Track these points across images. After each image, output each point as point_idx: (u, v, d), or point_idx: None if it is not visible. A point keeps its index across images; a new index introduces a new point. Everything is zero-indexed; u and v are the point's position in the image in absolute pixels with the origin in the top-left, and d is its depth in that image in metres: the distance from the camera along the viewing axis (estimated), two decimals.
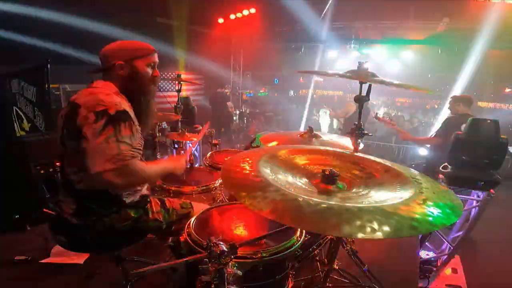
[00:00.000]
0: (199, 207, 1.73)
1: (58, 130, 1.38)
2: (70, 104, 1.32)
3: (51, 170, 2.69)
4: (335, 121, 8.98)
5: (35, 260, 2.19)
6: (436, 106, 12.93)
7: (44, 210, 2.78)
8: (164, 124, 4.98)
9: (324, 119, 9.43)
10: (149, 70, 1.48)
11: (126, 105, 1.35)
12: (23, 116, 3.94)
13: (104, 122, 1.22)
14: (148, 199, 1.56)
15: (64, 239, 1.46)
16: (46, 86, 3.51)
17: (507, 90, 11.33)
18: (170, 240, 2.22)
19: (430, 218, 0.88)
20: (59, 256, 2.21)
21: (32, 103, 3.75)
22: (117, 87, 1.42)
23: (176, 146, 3.15)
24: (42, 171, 2.67)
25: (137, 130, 1.36)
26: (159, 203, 1.61)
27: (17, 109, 3.99)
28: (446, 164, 2.53)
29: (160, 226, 1.56)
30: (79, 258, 2.17)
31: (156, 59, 1.51)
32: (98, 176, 1.21)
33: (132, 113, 1.36)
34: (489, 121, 2.38)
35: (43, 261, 2.18)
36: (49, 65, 3.40)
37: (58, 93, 7.08)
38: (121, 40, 1.49)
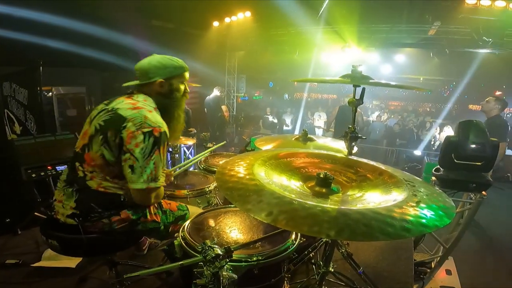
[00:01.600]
0: (193, 211, 1.73)
1: (87, 129, 1.45)
2: (111, 111, 1.41)
3: (42, 173, 2.66)
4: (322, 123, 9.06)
5: (26, 263, 2.16)
6: (428, 109, 13.13)
7: (36, 213, 2.74)
8: None
9: (319, 123, 9.47)
10: (182, 87, 1.60)
11: (164, 124, 1.43)
12: (14, 119, 3.89)
13: (152, 144, 1.34)
14: None
15: (57, 243, 1.44)
16: (38, 88, 3.48)
17: (498, 93, 11.56)
18: (146, 247, 2.24)
19: (423, 220, 0.89)
20: (51, 260, 2.18)
21: (24, 106, 3.70)
22: (155, 102, 1.52)
23: (170, 149, 3.13)
24: (33, 175, 2.63)
25: None
26: (156, 205, 1.61)
27: (9, 112, 3.94)
28: (438, 167, 2.56)
29: (158, 227, 1.57)
30: (71, 262, 2.14)
31: (188, 76, 1.62)
32: (139, 192, 1.38)
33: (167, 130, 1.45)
34: (474, 121, 2.42)
35: (34, 264, 2.15)
36: (41, 67, 3.36)
37: (50, 95, 7.01)
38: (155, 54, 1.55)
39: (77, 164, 1.44)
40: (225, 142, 2.66)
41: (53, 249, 1.47)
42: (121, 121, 1.36)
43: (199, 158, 2.40)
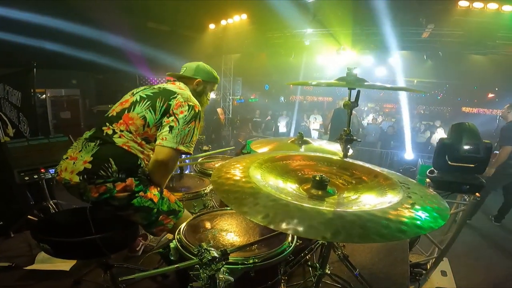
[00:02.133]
0: (187, 215, 1.72)
1: (127, 99, 1.70)
2: (157, 88, 1.72)
3: (35, 176, 2.63)
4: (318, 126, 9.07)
5: (19, 266, 2.14)
6: (422, 112, 13.26)
7: (29, 216, 2.71)
8: None
9: (314, 125, 9.49)
10: (209, 94, 1.97)
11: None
12: (7, 121, 3.84)
13: (193, 115, 1.62)
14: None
15: (49, 247, 1.43)
16: (32, 90, 3.44)
17: (490, 95, 11.72)
18: (140, 248, 2.24)
19: (418, 222, 0.90)
20: (44, 262, 2.16)
21: (17, 108, 3.67)
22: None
23: None
24: (26, 178, 2.60)
25: None
26: (157, 188, 1.66)
27: (1, 114, 3.89)
28: (432, 169, 2.58)
29: (152, 208, 1.59)
30: (65, 265, 2.12)
31: (216, 88, 1.99)
32: (165, 151, 1.55)
33: None
34: (467, 123, 2.46)
35: (27, 267, 2.13)
36: (35, 69, 3.34)
37: (44, 97, 6.95)
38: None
39: (107, 124, 1.60)
40: (233, 147, 2.92)
41: (46, 252, 1.45)
42: (171, 93, 1.66)
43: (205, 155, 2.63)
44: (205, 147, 2.73)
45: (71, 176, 1.48)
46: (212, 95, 8.49)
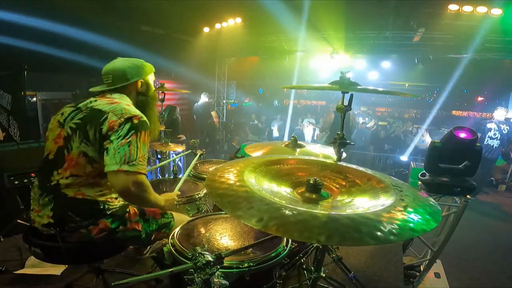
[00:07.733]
0: (179, 218, 1.71)
1: (58, 132, 1.41)
2: (85, 110, 1.42)
3: (25, 181, 2.59)
4: (316, 130, 9.12)
5: (9, 271, 2.10)
6: (413, 115, 13.42)
7: (18, 221, 2.66)
8: None
9: (308, 129, 9.53)
10: (153, 84, 1.71)
11: (144, 116, 1.46)
12: None
13: (128, 129, 1.35)
14: (127, 209, 1.54)
15: (40, 251, 1.40)
16: (22, 93, 3.41)
17: (480, 99, 11.93)
18: (147, 251, 2.18)
19: (411, 224, 0.91)
20: (35, 267, 2.13)
21: (7, 111, 3.62)
22: (131, 100, 1.57)
23: (159, 156, 3.10)
24: (16, 182, 2.56)
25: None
26: (138, 212, 1.59)
27: None
28: (424, 172, 2.61)
29: (139, 235, 1.55)
30: (56, 269, 2.09)
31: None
32: (113, 175, 1.31)
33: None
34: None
35: (18, 272, 2.10)
36: (25, 71, 3.30)
37: (34, 100, 6.84)
38: (118, 54, 1.64)
39: (51, 171, 1.39)
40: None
41: (36, 256, 1.44)
42: (101, 114, 1.38)
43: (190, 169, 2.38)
44: (199, 151, 2.71)
45: (42, 229, 1.39)
46: (205, 99, 8.42)
